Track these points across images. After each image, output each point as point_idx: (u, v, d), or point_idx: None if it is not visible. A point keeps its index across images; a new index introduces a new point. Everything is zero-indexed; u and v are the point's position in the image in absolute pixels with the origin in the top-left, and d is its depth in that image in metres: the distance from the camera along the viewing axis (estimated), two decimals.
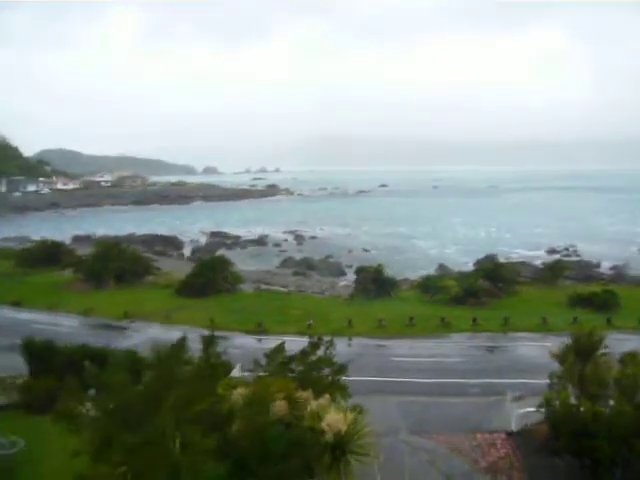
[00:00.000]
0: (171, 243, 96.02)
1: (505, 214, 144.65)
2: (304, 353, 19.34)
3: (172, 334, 26.25)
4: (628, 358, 18.72)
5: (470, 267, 61.03)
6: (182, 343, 15.67)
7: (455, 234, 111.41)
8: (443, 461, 20.08)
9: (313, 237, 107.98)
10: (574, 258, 79.67)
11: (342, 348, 33.74)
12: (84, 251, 64.20)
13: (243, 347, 32.82)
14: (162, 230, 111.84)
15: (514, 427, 22.19)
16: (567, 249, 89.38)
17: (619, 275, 64.20)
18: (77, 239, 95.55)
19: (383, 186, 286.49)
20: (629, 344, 24.28)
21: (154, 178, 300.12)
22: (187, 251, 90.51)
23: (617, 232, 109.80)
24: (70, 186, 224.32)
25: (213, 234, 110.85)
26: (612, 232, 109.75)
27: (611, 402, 18.12)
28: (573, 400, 18.73)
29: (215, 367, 16.86)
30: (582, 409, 17.58)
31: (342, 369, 19.41)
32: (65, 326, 39.86)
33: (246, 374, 21.33)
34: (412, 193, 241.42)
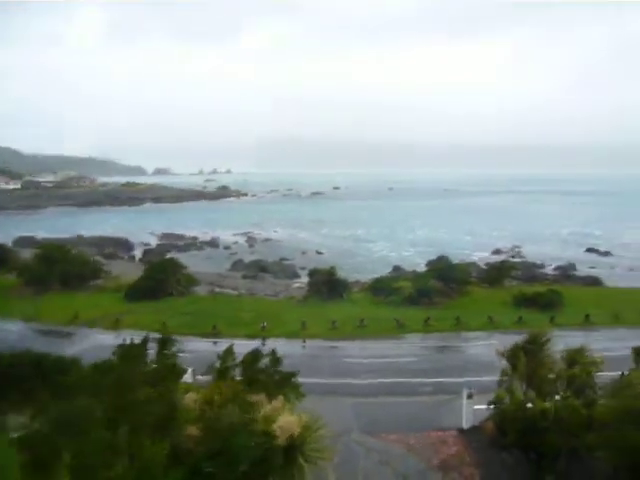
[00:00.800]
0: (121, 245, 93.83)
1: (460, 217, 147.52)
2: (254, 356, 19.10)
3: (121, 339, 25.46)
4: (575, 355, 19.31)
5: (423, 268, 61.97)
6: (143, 345, 15.28)
7: (409, 236, 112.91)
8: (397, 461, 20.22)
9: (266, 239, 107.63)
10: (518, 259, 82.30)
11: (297, 350, 33.82)
12: (28, 254, 61.74)
13: (196, 351, 32.19)
14: (112, 232, 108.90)
15: (465, 424, 22.63)
16: (512, 250, 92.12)
17: (564, 275, 66.65)
18: (20, 241, 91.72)
19: (336, 188, 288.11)
20: (572, 340, 25.13)
21: (103, 179, 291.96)
22: (138, 253, 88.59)
23: (570, 233, 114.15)
24: (11, 186, 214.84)
25: (165, 236, 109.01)
26: (565, 234, 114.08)
27: (557, 397, 18.67)
28: (522, 397, 19.21)
29: (172, 369, 16.45)
30: (530, 405, 18.03)
31: (293, 374, 19.26)
32: (7, 331, 38.22)
33: (200, 378, 20.94)
34: (367, 195, 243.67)
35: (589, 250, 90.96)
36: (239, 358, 19.29)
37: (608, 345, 31.32)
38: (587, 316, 39.97)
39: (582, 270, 71.66)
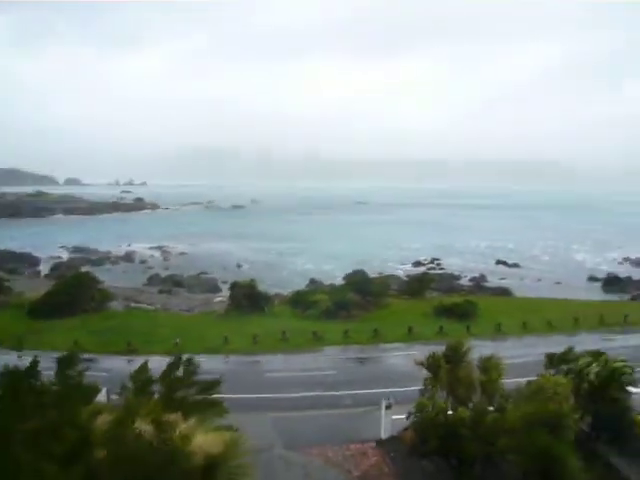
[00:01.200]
0: (24, 260, 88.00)
1: (379, 229, 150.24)
2: (171, 370, 18.30)
3: (25, 361, 23.73)
4: (487, 363, 20.06)
5: (341, 281, 62.58)
6: (34, 367, 14.10)
7: (332, 249, 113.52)
8: (317, 474, 20.08)
9: (182, 253, 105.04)
10: (439, 271, 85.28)
11: (218, 366, 32.96)
12: None
13: (111, 369, 30.70)
14: (14, 246, 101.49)
15: (384, 435, 22.84)
16: (432, 262, 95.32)
17: (477, 286, 69.63)
18: None
19: (255, 202, 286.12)
20: (486, 350, 26.09)
21: (4, 189, 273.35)
22: (45, 268, 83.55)
23: (487, 247, 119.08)
24: None
25: (77, 249, 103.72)
26: (479, 246, 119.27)
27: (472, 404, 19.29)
28: (443, 404, 19.69)
29: (76, 391, 15.35)
30: (450, 413, 18.49)
31: (213, 386, 18.61)
32: None
33: (115, 398, 19.83)
34: (286, 208, 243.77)
35: (499, 262, 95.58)
36: (156, 375, 18.47)
37: (517, 352, 32.99)
38: (498, 325, 41.88)
39: (493, 281, 75.22)
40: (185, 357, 18.49)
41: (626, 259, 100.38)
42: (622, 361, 21.72)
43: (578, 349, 23.22)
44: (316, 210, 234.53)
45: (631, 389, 21.29)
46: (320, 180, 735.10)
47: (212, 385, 18.04)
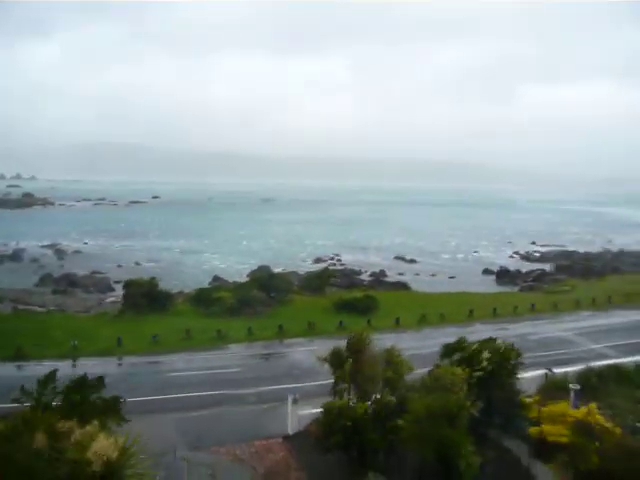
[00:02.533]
0: None
1: (287, 228, 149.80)
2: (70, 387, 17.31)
3: None
4: (387, 355, 20.73)
5: (246, 278, 62.03)
6: None
7: (237, 247, 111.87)
8: (223, 473, 19.83)
9: (77, 251, 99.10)
10: (339, 267, 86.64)
11: (112, 369, 31.50)
12: None
13: None
14: None
15: (290, 430, 22.95)
16: (332, 258, 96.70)
17: (377, 281, 71.64)
18: None
19: (156, 197, 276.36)
20: (387, 342, 26.93)
21: None
22: None
23: (401, 244, 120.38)
24: None
25: None
26: (397, 243, 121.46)
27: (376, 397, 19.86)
28: (347, 398, 20.12)
29: None
30: (354, 405, 18.91)
31: (116, 397, 17.79)
32: None
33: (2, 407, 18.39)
34: (190, 205, 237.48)
35: (397, 258, 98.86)
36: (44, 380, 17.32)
37: (416, 344, 34.46)
38: (397, 319, 43.43)
39: (392, 276, 77.72)
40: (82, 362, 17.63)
41: (516, 253, 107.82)
42: (510, 346, 23.24)
43: (473, 339, 24.51)
44: (222, 207, 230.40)
45: (519, 374, 22.86)
46: (237, 177, 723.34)
47: (116, 398, 17.24)
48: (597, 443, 19.08)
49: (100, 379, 17.84)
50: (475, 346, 22.90)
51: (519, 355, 22.90)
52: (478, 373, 21.42)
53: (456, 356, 22.66)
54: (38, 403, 16.32)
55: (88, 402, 16.98)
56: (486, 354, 22.05)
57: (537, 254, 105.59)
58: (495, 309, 47.67)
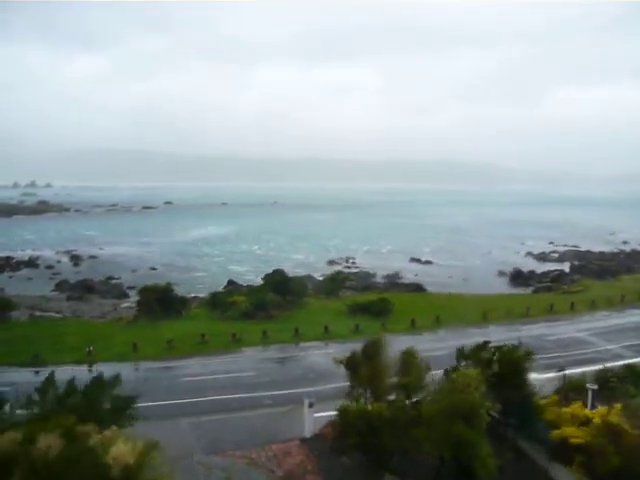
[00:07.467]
0: None
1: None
2: (88, 386, 17.48)
3: None
4: (405, 357, 20.62)
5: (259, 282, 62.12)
6: None
7: (247, 251, 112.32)
8: (240, 477, 19.81)
9: (93, 257, 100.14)
10: (354, 270, 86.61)
11: (128, 374, 31.66)
12: None
13: (15, 383, 28.57)
14: None
15: (307, 433, 22.91)
16: (347, 261, 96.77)
17: (391, 283, 71.49)
18: None
19: (168, 203, 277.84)
20: (402, 344, 26.81)
21: None
22: None
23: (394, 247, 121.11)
24: None
25: None
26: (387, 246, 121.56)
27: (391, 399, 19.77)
28: (364, 401, 20.06)
29: None
30: (370, 408, 18.85)
31: (130, 400, 17.96)
32: None
33: (20, 413, 18.55)
34: (199, 209, 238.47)
35: (412, 260, 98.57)
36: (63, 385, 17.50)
37: (432, 346, 34.23)
38: (413, 321, 43.24)
39: (407, 278, 77.45)
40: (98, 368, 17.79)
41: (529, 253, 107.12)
42: (523, 350, 23.06)
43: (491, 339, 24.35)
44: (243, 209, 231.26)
45: (533, 375, 22.65)
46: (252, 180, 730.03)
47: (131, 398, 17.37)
48: (617, 444, 18.80)
49: (116, 377, 18.08)
50: (488, 349, 22.78)
51: (532, 358, 22.71)
52: (492, 374, 21.30)
53: (470, 359, 22.54)
54: (46, 409, 16.45)
55: (103, 400, 17.15)
56: (498, 357, 21.95)
57: (555, 254, 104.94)
58: (510, 310, 47.32)
